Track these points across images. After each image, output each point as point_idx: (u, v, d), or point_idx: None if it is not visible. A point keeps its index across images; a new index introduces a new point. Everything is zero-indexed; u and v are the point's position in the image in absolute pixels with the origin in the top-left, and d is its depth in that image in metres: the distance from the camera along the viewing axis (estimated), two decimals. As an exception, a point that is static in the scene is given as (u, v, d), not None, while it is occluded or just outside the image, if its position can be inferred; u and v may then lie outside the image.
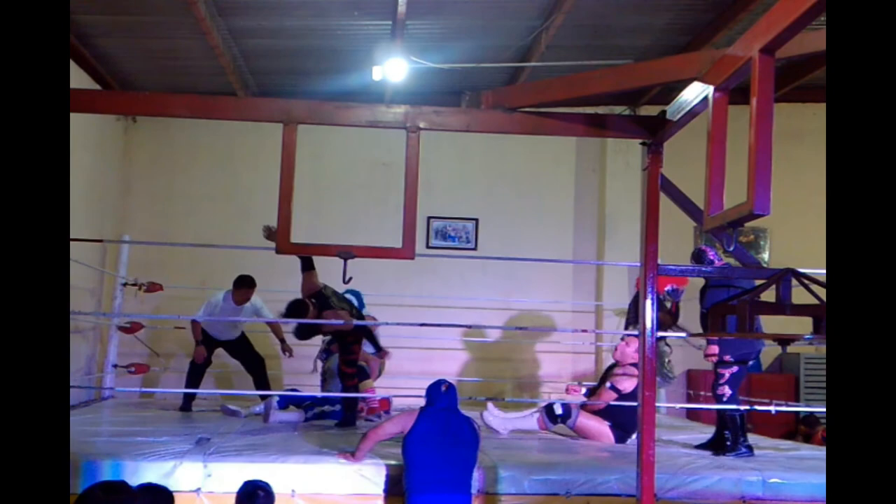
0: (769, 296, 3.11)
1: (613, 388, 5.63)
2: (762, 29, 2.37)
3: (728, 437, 5.14)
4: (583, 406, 5.67)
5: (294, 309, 5.73)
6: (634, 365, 5.58)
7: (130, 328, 7.58)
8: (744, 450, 5.07)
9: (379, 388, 6.73)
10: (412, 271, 7.67)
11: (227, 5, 6.40)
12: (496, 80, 7.87)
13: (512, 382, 8.59)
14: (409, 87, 7.16)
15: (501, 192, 8.93)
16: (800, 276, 3.09)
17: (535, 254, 7.65)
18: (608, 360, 6.96)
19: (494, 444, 4.99)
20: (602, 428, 5.57)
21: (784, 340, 3.39)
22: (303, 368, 7.24)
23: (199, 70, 7.68)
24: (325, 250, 3.63)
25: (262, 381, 6.93)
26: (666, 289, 5.80)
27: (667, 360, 5.84)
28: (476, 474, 4.13)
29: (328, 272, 5.21)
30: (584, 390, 6.31)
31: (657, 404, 5.34)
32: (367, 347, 6.70)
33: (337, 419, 5.94)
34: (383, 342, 6.92)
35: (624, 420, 5.46)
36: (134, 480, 3.48)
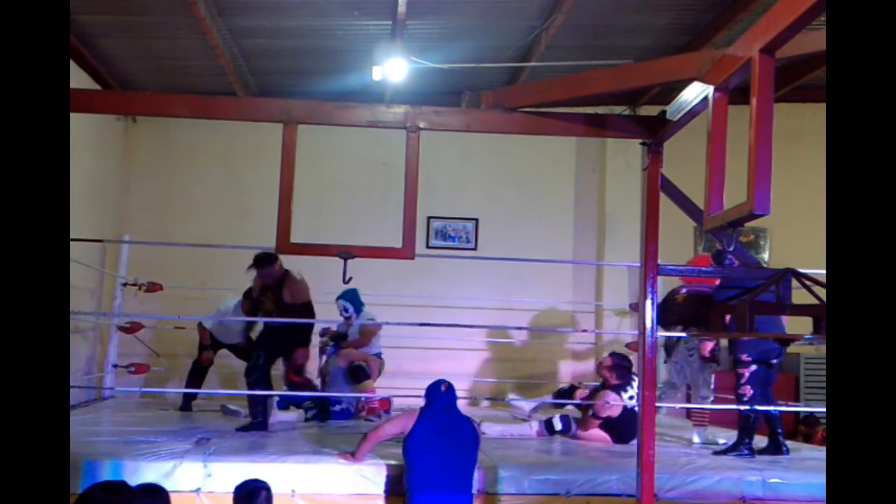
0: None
1: (595, 416, 5.64)
2: (762, 29, 2.37)
3: (779, 436, 5.19)
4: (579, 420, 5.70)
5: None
6: (615, 389, 5.61)
7: (130, 328, 7.56)
8: (745, 451, 5.09)
9: (379, 388, 6.72)
10: (412, 271, 7.65)
11: (227, 5, 6.40)
12: (496, 80, 7.87)
13: (512, 383, 8.57)
14: (409, 87, 7.15)
15: (501, 192, 8.92)
16: (800, 276, 3.10)
17: (536, 254, 7.64)
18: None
19: (494, 445, 4.99)
20: (602, 437, 5.62)
21: (784, 340, 3.40)
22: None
23: (198, 70, 7.68)
24: (325, 250, 3.63)
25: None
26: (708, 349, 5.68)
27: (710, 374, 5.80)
28: (476, 474, 4.14)
29: (328, 272, 5.20)
30: (587, 391, 6.30)
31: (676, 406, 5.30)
32: (368, 348, 6.70)
33: (342, 419, 5.95)
34: (384, 342, 6.91)
35: (626, 429, 5.46)
36: (134, 480, 3.47)
